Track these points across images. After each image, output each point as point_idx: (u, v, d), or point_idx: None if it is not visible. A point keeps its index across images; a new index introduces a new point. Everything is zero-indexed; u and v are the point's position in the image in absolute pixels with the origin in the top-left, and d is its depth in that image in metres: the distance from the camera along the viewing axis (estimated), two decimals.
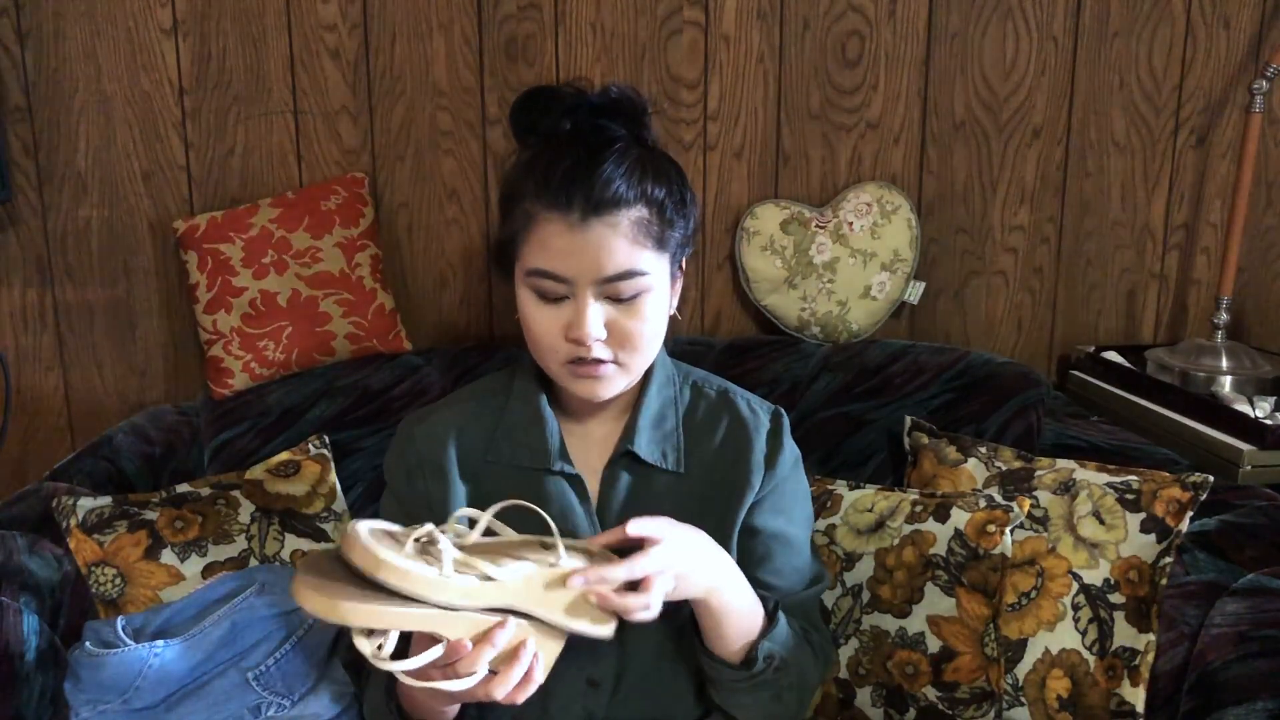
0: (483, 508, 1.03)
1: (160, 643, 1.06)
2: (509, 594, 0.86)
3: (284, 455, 1.35)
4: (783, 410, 1.11)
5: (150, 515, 1.22)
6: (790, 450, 1.09)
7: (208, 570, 1.21)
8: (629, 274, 0.94)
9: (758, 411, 1.09)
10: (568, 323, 0.95)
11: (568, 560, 0.89)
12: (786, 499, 1.08)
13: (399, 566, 0.82)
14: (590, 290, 0.94)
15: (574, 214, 0.92)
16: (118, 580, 1.18)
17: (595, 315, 0.94)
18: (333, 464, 1.37)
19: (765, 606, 1.02)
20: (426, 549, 0.86)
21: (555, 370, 0.99)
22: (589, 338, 0.94)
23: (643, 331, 0.96)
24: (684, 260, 1.04)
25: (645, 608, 0.88)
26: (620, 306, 0.95)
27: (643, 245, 0.94)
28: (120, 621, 1.08)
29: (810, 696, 1.12)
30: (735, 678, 0.99)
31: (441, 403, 1.12)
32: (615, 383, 0.99)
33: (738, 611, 0.98)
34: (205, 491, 1.28)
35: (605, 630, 0.91)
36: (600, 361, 0.96)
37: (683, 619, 1.03)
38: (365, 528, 0.86)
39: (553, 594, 0.88)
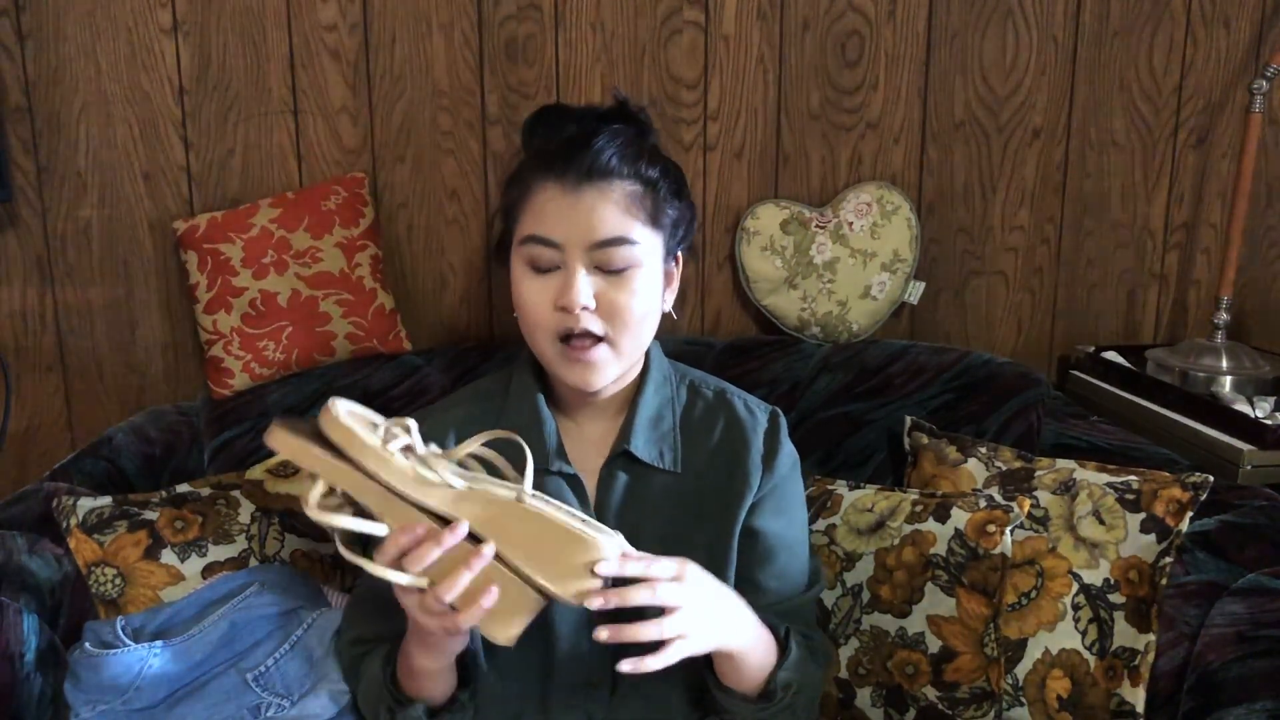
0: None
1: (160, 643, 1.06)
2: (452, 502, 0.84)
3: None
4: (780, 411, 1.11)
5: (150, 515, 1.22)
6: (788, 451, 1.09)
7: (208, 570, 1.21)
8: (619, 240, 0.95)
9: (755, 412, 1.09)
10: (557, 292, 0.95)
11: (533, 501, 0.86)
12: (786, 500, 1.08)
13: (343, 423, 0.83)
14: (580, 258, 0.95)
15: (568, 178, 0.95)
16: (118, 580, 1.18)
17: (584, 283, 0.95)
18: None
19: (776, 634, 1.01)
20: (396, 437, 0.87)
21: (548, 351, 0.99)
22: (576, 304, 0.94)
23: (632, 306, 0.96)
24: (680, 255, 1.05)
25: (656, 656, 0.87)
26: (610, 279, 0.96)
27: (635, 216, 0.96)
28: (120, 622, 1.08)
29: (815, 703, 1.12)
30: (754, 711, 0.98)
31: (440, 404, 1.12)
32: (607, 369, 0.98)
33: (752, 652, 0.97)
34: (205, 491, 1.28)
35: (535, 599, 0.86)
36: (590, 336, 0.96)
37: None
38: (345, 402, 0.87)
39: (514, 527, 0.84)
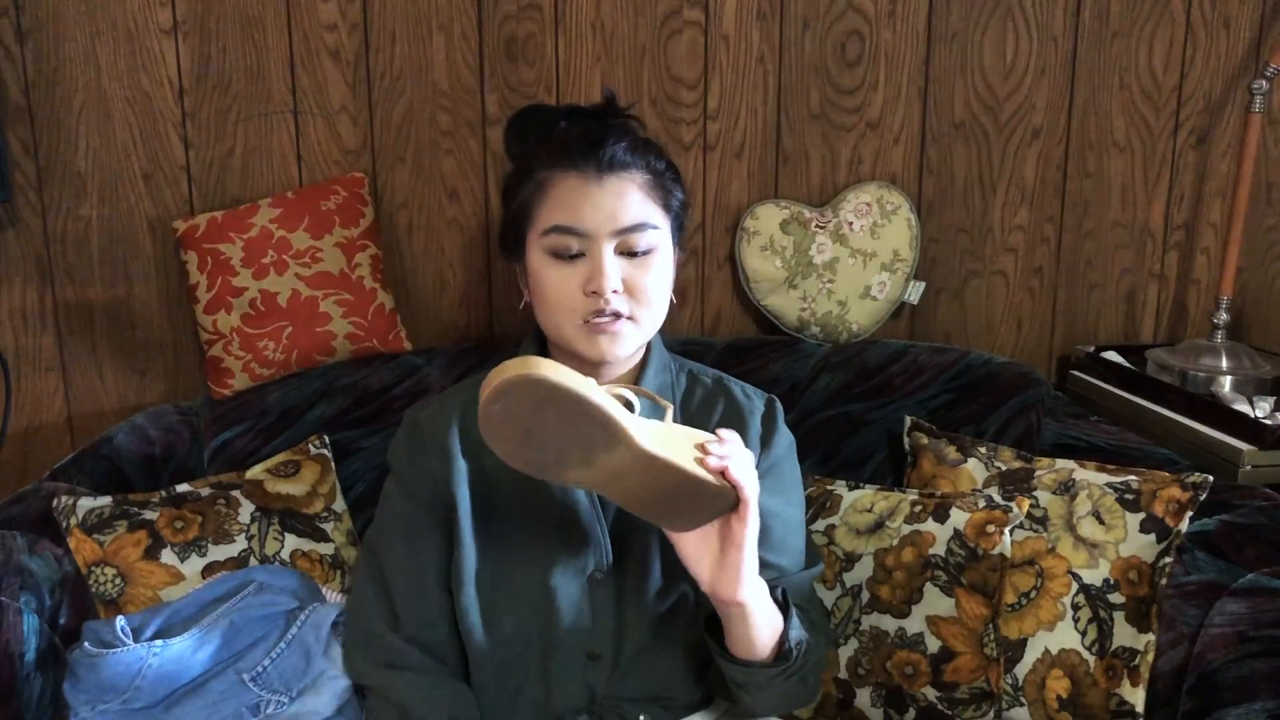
0: (485, 486, 1.05)
1: (159, 642, 1.06)
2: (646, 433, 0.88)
3: (284, 455, 1.36)
4: (776, 399, 1.14)
5: (150, 515, 1.22)
6: (785, 433, 1.12)
7: (207, 570, 1.21)
8: (643, 225, 1.00)
9: (752, 397, 1.13)
10: (586, 278, 0.99)
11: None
12: (783, 479, 1.11)
13: (552, 363, 0.84)
14: (607, 243, 0.99)
15: (590, 170, 1.00)
16: (117, 580, 1.18)
17: (613, 267, 0.99)
18: (333, 464, 1.37)
19: (775, 598, 1.03)
20: None
21: (570, 333, 1.01)
22: (607, 289, 0.98)
23: (654, 286, 1.01)
24: (682, 242, 1.09)
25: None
26: (634, 261, 1.01)
27: (654, 202, 1.02)
28: (119, 621, 1.08)
29: (822, 672, 1.13)
30: (771, 674, 1.01)
31: (445, 393, 1.15)
32: (628, 340, 1.02)
33: (762, 610, 0.99)
34: (205, 491, 1.28)
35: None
36: (617, 315, 1.00)
37: (675, 601, 1.05)
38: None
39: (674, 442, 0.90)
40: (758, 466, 1.06)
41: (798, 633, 1.01)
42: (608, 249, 0.99)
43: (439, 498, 1.05)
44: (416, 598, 1.05)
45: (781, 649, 1.00)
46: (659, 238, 1.02)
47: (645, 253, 1.01)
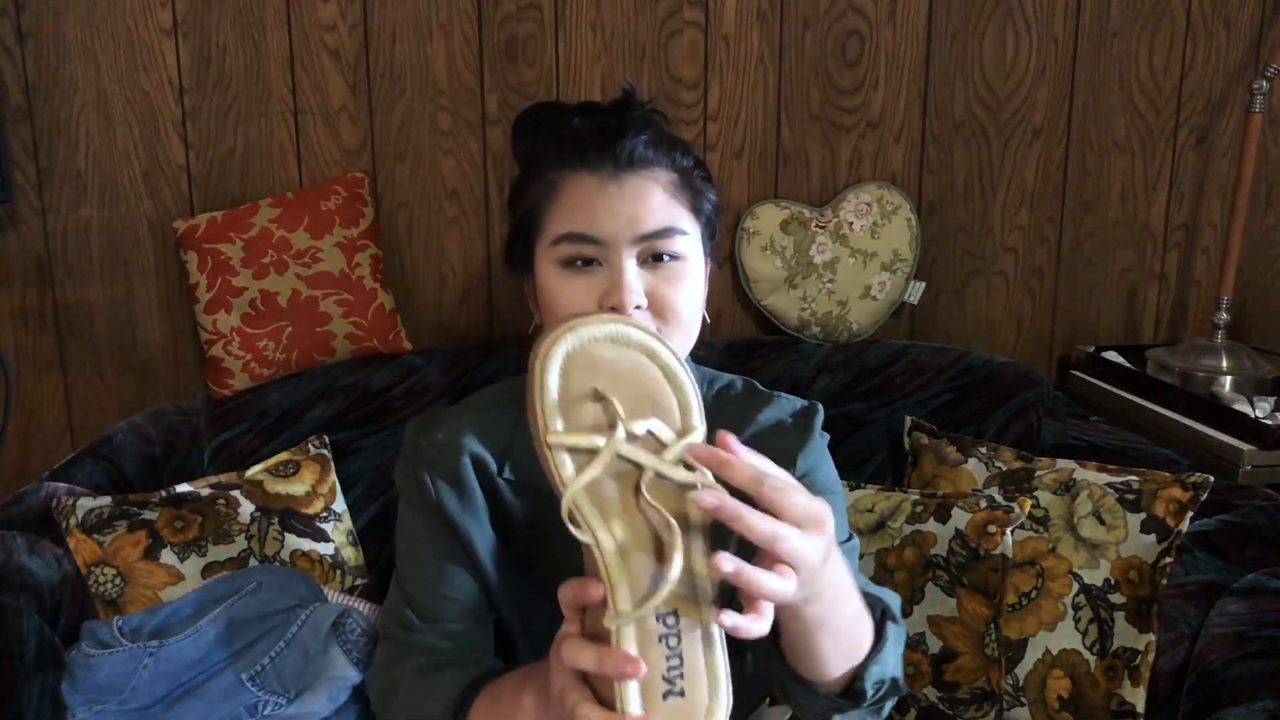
0: (501, 527, 0.95)
1: (156, 643, 1.06)
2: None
3: (284, 455, 1.35)
4: (819, 405, 1.00)
5: (150, 515, 1.22)
6: (818, 441, 0.99)
7: (207, 570, 1.21)
8: (670, 230, 0.86)
9: (785, 411, 1.00)
10: (604, 290, 0.85)
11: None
12: (818, 485, 0.96)
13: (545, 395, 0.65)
14: (628, 251, 0.86)
15: (606, 168, 0.87)
16: (117, 580, 1.18)
17: (635, 278, 0.85)
18: (333, 464, 1.37)
19: (873, 615, 0.82)
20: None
21: None
22: (629, 304, 0.84)
23: (684, 300, 0.87)
24: (713, 252, 0.98)
25: (778, 596, 0.63)
26: (659, 272, 0.87)
27: (680, 203, 0.89)
28: (117, 622, 1.08)
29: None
30: (836, 707, 0.80)
31: (449, 412, 1.02)
32: None
33: (837, 626, 0.76)
34: (205, 491, 1.28)
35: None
36: None
37: None
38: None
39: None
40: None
41: (880, 670, 0.78)
42: (628, 258, 0.85)
43: (453, 525, 0.94)
44: (435, 596, 0.95)
45: (854, 685, 0.78)
46: (688, 245, 0.88)
47: (672, 263, 0.87)
